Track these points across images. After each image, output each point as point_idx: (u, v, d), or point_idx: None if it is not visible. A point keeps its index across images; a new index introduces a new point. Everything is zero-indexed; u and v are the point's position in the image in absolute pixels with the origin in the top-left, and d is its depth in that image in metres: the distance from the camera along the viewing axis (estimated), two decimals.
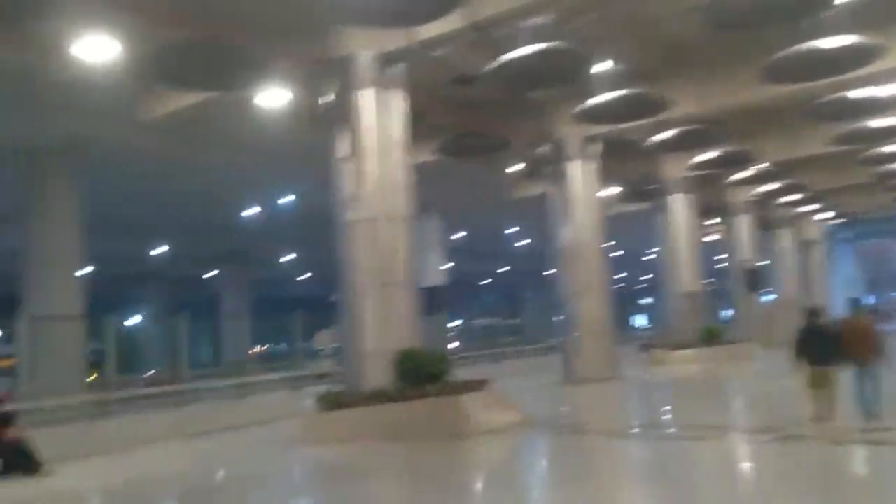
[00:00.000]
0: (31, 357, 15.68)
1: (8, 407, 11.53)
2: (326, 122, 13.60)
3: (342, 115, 13.23)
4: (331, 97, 13.46)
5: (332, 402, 12.45)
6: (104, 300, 27.23)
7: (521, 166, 21.59)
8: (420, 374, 12.08)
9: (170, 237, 32.44)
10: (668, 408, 15.87)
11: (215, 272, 40.56)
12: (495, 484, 8.78)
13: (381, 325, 12.81)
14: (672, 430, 12.50)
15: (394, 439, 11.30)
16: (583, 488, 8.01)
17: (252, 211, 28.20)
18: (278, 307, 35.14)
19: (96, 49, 11.89)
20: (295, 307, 24.32)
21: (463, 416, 11.40)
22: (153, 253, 34.78)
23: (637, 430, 12.52)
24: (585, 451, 10.65)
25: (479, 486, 8.99)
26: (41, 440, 11.06)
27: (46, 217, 18.46)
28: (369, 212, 12.90)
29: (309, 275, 45.44)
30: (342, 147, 13.27)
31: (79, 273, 19.13)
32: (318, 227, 27.04)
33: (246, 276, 39.14)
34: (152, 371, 29.60)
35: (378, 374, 12.44)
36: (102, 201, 20.31)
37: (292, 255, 40.12)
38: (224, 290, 39.45)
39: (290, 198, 26.56)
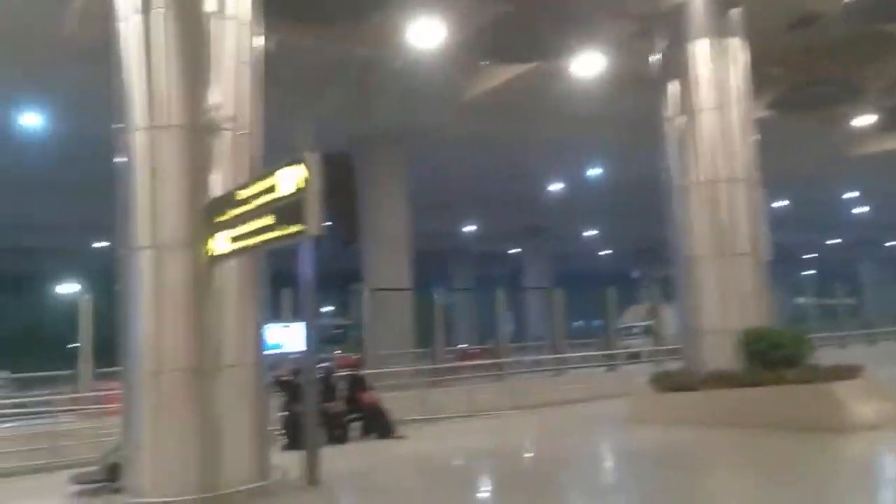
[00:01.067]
0: (370, 326, 17.02)
1: (361, 371, 12.38)
2: (653, 81, 12.64)
3: (672, 71, 12.23)
4: (659, 54, 12.45)
5: (667, 383, 11.75)
6: (419, 275, 29.03)
7: (870, 118, 18.50)
8: (774, 357, 10.69)
9: (478, 214, 33.59)
10: None
11: (518, 249, 41.38)
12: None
13: (722, 300, 11.69)
14: None
15: (740, 427, 10.14)
16: None
17: (557, 184, 28.04)
18: (578, 283, 34.89)
19: (425, 34, 12.25)
20: (595, 283, 23.66)
21: (835, 406, 9.77)
22: (462, 230, 36.35)
23: None
24: None
25: (871, 496, 7.43)
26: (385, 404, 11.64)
27: (381, 201, 19.96)
28: (707, 174, 11.78)
29: (609, 251, 44.56)
30: (672, 106, 12.23)
31: (407, 250, 20.46)
32: (627, 197, 26.15)
33: (548, 251, 39.36)
34: (464, 344, 31.09)
35: (719, 355, 11.37)
36: (423, 182, 21.38)
37: (593, 230, 39.53)
38: (527, 266, 40.09)
39: (598, 170, 25.87)
